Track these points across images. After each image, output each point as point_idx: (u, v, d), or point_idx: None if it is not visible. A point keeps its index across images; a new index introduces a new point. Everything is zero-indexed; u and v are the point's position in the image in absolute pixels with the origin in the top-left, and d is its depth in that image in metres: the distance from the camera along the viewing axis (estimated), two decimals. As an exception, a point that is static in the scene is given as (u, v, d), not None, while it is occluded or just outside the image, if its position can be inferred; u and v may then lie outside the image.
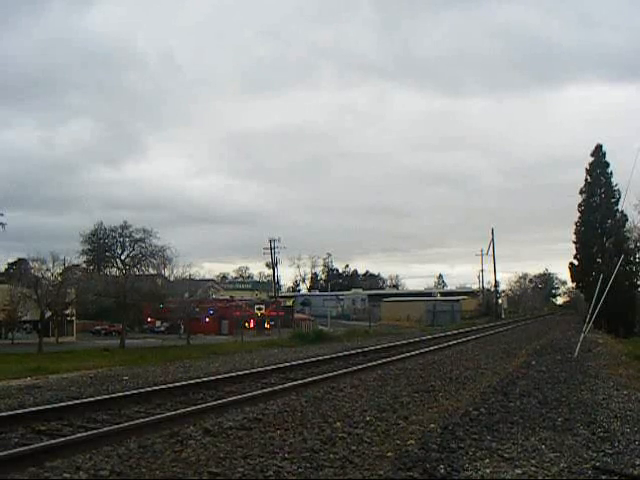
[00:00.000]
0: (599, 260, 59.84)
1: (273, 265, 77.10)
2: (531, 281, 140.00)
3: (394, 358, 19.40)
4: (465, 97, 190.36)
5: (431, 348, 24.28)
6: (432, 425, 8.88)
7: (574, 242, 64.95)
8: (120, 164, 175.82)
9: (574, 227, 65.08)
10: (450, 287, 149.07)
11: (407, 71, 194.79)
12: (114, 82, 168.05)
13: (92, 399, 11.04)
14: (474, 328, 47.82)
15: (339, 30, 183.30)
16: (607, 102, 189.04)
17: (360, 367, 16.46)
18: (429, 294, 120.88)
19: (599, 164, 63.31)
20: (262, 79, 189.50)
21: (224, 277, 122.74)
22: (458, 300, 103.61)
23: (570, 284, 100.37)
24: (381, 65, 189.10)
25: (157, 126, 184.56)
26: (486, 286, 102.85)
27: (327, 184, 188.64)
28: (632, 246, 60.94)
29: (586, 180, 64.09)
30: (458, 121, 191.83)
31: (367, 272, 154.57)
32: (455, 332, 40.85)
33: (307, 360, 19.26)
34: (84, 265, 70.71)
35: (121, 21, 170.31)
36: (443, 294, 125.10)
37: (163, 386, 12.90)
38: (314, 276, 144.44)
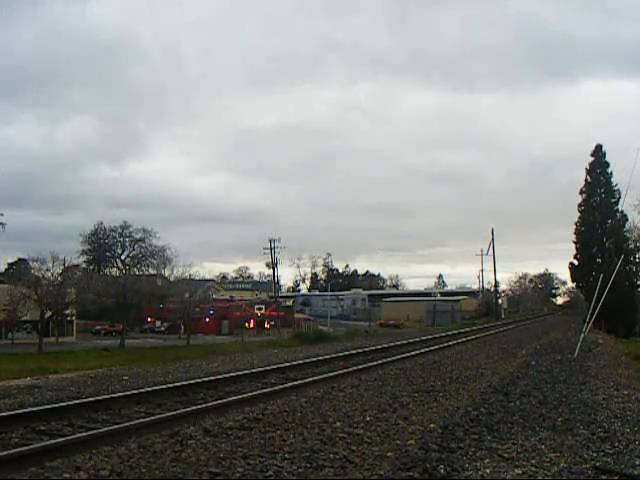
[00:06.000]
0: (599, 260, 59.82)
1: (273, 265, 77.32)
2: (531, 281, 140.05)
3: (394, 358, 19.41)
4: (475, 92, 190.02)
5: (431, 348, 24.28)
6: (432, 425, 8.87)
7: (574, 242, 64.95)
8: (121, 162, 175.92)
9: (574, 227, 65.16)
10: (450, 287, 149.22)
11: (417, 66, 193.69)
12: (116, 77, 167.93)
13: (92, 399, 11.04)
14: (474, 328, 47.84)
15: (348, 24, 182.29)
16: (618, 98, 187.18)
17: (360, 367, 16.47)
18: (429, 294, 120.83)
19: (599, 164, 63.32)
20: (268, 74, 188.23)
21: (224, 277, 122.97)
22: (458, 300, 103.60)
23: (570, 284, 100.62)
24: (390, 60, 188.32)
25: (160, 123, 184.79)
26: (486, 286, 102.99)
27: (328, 183, 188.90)
28: (632, 246, 60.92)
29: (586, 180, 64.11)
30: (466, 118, 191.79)
31: (367, 272, 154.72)
32: (455, 332, 40.86)
33: (307, 360, 19.26)
34: (84, 265, 70.88)
35: (123, 13, 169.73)
36: (443, 294, 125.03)
37: (163, 386, 12.90)
38: (314, 276, 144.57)
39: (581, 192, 64.40)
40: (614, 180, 62.44)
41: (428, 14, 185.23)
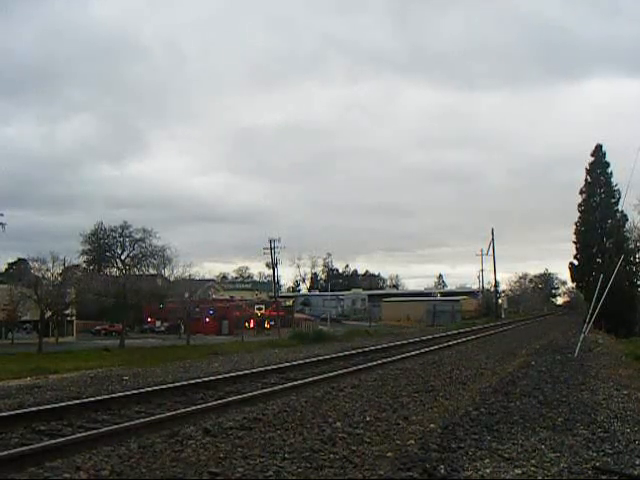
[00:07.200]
0: (599, 260, 59.80)
1: (273, 265, 76.93)
2: (531, 281, 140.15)
3: (394, 358, 19.40)
4: (476, 91, 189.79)
5: (431, 348, 24.27)
6: (432, 425, 8.87)
7: (574, 242, 64.98)
8: (121, 162, 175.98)
9: (574, 227, 65.18)
10: (450, 287, 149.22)
11: (418, 65, 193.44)
12: (116, 76, 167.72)
13: (92, 399, 11.04)
14: (474, 328, 47.80)
15: (349, 22, 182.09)
16: (618, 97, 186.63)
17: (360, 367, 16.46)
18: (429, 294, 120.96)
19: (599, 164, 63.35)
20: (268, 73, 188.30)
21: (224, 277, 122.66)
22: (458, 300, 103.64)
23: (570, 284, 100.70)
24: (392, 58, 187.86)
25: (160, 122, 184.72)
26: (486, 286, 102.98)
27: (328, 183, 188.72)
28: (632, 246, 60.92)
29: (586, 180, 64.15)
30: (466, 117, 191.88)
31: (367, 272, 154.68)
32: (455, 332, 40.83)
33: (307, 360, 19.25)
34: (84, 265, 70.78)
35: (124, 12, 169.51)
36: (443, 294, 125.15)
37: (163, 386, 12.90)
38: (314, 276, 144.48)
39: (581, 192, 64.44)
40: (614, 180, 62.55)
41: (429, 13, 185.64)
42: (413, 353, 21.71)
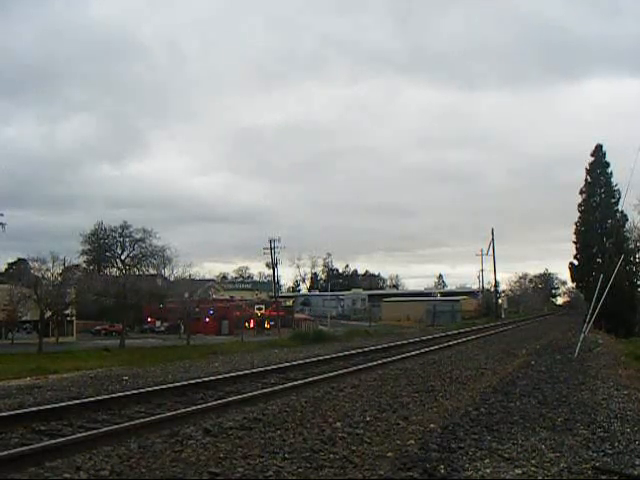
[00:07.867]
0: (599, 260, 59.78)
1: (273, 265, 77.03)
2: (531, 281, 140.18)
3: (394, 358, 19.39)
4: (476, 91, 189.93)
5: (431, 348, 24.27)
6: (432, 425, 8.87)
7: (574, 242, 65.01)
8: (121, 161, 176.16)
9: (574, 227, 65.19)
10: (450, 287, 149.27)
11: (418, 64, 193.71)
12: (116, 76, 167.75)
13: (92, 399, 11.03)
14: (474, 328, 47.81)
15: (351, 22, 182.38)
16: (618, 97, 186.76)
17: (360, 367, 16.45)
18: (429, 294, 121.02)
19: (599, 164, 63.37)
20: (269, 73, 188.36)
21: (224, 277, 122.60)
22: (458, 300, 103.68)
23: (570, 284, 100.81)
24: (393, 58, 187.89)
25: (160, 122, 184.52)
26: (486, 286, 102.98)
27: (328, 183, 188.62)
28: (632, 246, 60.96)
29: (586, 180, 64.17)
30: (466, 117, 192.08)
31: (367, 272, 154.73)
32: (455, 332, 40.84)
33: (307, 360, 19.25)
34: (84, 265, 70.87)
35: (124, 12, 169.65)
36: (443, 294, 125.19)
37: (163, 386, 12.90)
38: (314, 276, 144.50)
39: (581, 192, 64.47)
40: (614, 180, 62.60)
41: (430, 13, 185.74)
42: (413, 353, 21.70)
